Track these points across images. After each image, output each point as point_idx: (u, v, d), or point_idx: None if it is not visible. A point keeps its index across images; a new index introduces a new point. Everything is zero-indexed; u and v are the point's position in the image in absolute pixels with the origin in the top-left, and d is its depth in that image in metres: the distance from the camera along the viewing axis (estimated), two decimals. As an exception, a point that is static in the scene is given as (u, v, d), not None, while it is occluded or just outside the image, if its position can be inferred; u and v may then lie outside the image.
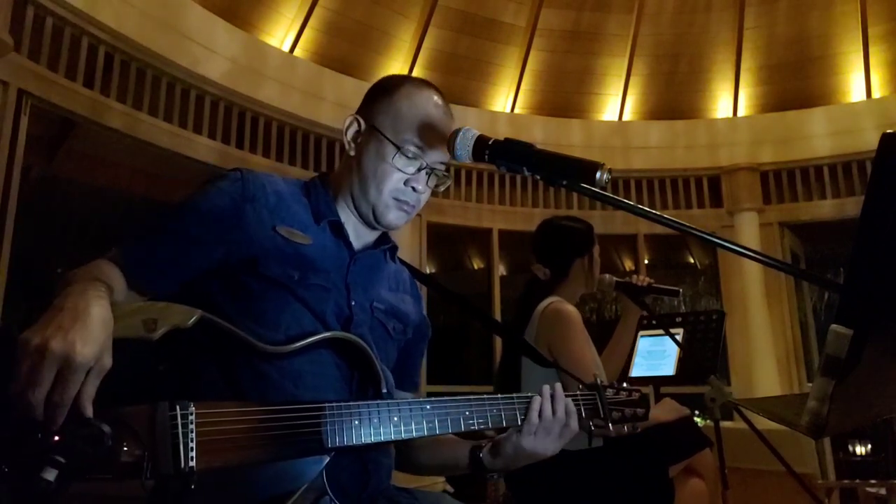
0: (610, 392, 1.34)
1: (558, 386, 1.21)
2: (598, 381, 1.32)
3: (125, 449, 0.87)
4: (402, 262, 1.41)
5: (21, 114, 3.53)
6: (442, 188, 1.30)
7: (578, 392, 1.29)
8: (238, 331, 1.01)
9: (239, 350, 1.02)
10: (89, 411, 0.82)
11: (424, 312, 1.39)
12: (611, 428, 1.30)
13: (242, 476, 0.94)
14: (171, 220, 1.14)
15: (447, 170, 1.27)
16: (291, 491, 0.95)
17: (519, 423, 1.16)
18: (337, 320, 1.14)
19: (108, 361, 0.85)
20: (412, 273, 1.42)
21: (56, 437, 0.83)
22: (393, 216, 1.23)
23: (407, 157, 1.21)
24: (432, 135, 1.22)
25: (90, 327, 0.84)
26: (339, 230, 1.22)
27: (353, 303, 1.17)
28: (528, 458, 1.20)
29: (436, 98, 1.27)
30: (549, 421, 1.18)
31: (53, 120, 4.00)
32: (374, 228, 1.27)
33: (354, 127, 1.26)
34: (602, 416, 1.29)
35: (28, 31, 3.63)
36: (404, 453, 1.28)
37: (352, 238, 1.24)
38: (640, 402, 1.37)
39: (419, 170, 1.22)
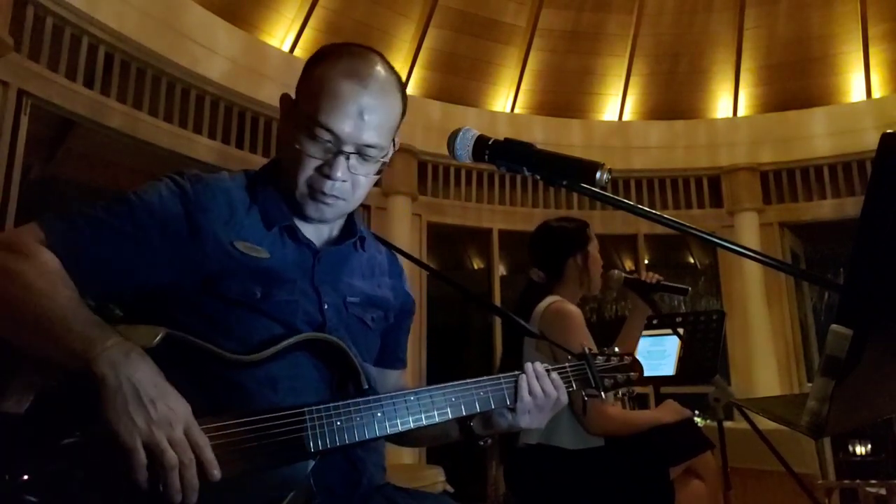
0: (600, 360, 1.32)
1: (538, 364, 1.19)
2: (586, 350, 1.30)
3: (101, 478, 0.85)
4: (385, 242, 1.35)
5: (21, 114, 3.52)
6: (373, 172, 1.15)
7: (567, 364, 1.27)
8: (207, 344, 0.98)
9: (211, 363, 0.99)
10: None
11: (407, 288, 1.32)
12: (603, 396, 1.28)
13: (226, 490, 0.92)
14: (116, 216, 1.03)
15: (384, 150, 1.13)
16: (279, 499, 0.94)
17: (508, 402, 1.15)
18: (309, 328, 1.09)
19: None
20: (399, 252, 1.37)
21: (25, 476, 0.81)
22: (311, 209, 1.12)
23: (315, 140, 1.08)
24: (346, 112, 1.07)
25: (156, 393, 0.86)
26: (293, 233, 1.13)
27: (325, 306, 1.12)
28: (521, 429, 1.21)
29: (361, 69, 1.10)
30: (540, 399, 1.17)
31: (53, 120, 3.99)
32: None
33: (281, 108, 1.16)
34: (594, 384, 1.27)
35: (28, 31, 3.63)
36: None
37: (311, 236, 1.15)
38: (632, 366, 1.35)
39: (335, 155, 1.08)
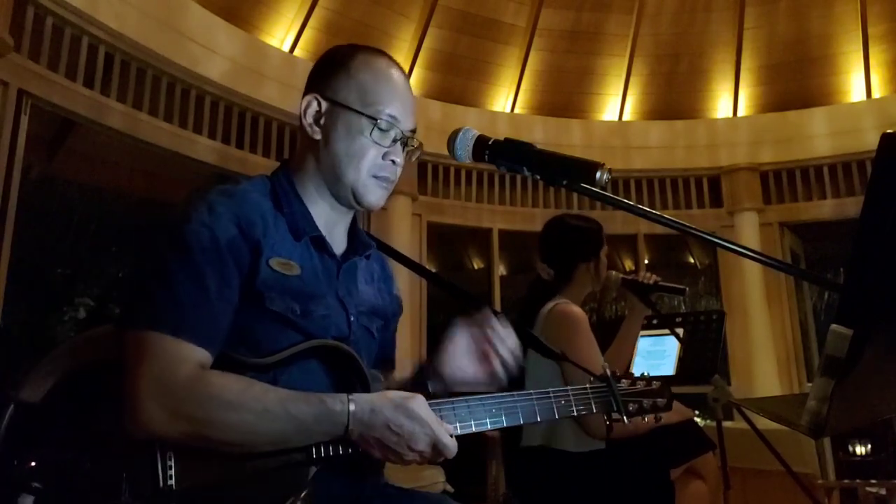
0: (624, 383, 1.27)
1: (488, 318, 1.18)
2: (609, 373, 1.25)
3: (103, 471, 0.87)
4: (386, 247, 1.37)
5: (21, 114, 3.52)
6: (414, 158, 1.24)
7: (588, 386, 1.23)
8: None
9: (223, 365, 0.99)
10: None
11: (396, 291, 1.34)
12: (626, 420, 1.23)
13: (226, 491, 0.92)
14: (198, 274, 0.99)
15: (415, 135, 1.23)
16: (279, 502, 0.94)
17: (521, 421, 1.12)
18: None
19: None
20: (397, 259, 1.38)
21: (32, 463, 0.84)
22: (374, 196, 1.17)
23: (381, 129, 1.14)
24: (400, 102, 1.17)
25: (416, 431, 0.97)
26: (321, 245, 1.15)
27: (352, 318, 1.14)
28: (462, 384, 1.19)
29: (394, 65, 1.21)
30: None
31: (53, 120, 4.00)
32: (350, 209, 1.21)
33: (314, 107, 1.17)
34: (616, 408, 1.22)
35: (28, 31, 3.62)
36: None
37: (333, 246, 1.18)
38: (660, 392, 1.30)
39: (395, 140, 1.16)
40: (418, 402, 0.98)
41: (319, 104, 1.17)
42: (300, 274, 1.08)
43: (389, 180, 1.17)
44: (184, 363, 0.93)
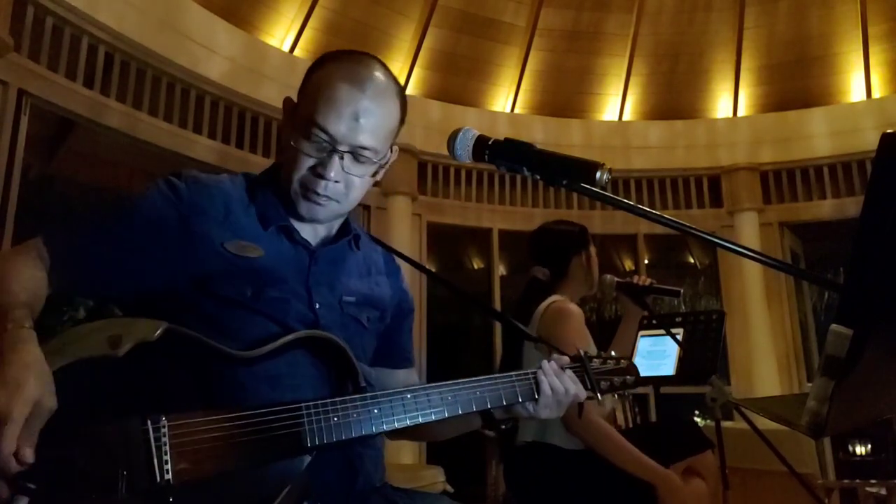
0: (596, 362, 1.34)
1: (553, 363, 1.22)
2: (582, 353, 1.32)
3: (98, 468, 0.86)
4: (383, 245, 1.37)
5: (21, 114, 3.52)
6: (379, 175, 1.20)
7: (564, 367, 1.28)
8: (206, 339, 0.99)
9: (210, 359, 0.99)
10: (29, 457, 0.79)
11: (404, 286, 1.34)
12: (599, 397, 1.31)
13: (223, 483, 0.93)
14: (109, 220, 1.09)
15: (380, 154, 1.16)
16: (274, 494, 0.94)
17: (504, 402, 1.16)
18: (302, 325, 1.09)
19: (48, 403, 0.82)
20: (397, 256, 1.38)
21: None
22: (304, 208, 1.14)
23: (311, 140, 1.10)
24: (342, 115, 1.10)
25: (14, 380, 0.80)
26: (289, 233, 1.15)
27: (316, 305, 1.13)
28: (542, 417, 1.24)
29: (359, 73, 1.13)
30: (560, 394, 1.20)
31: (53, 120, 4.00)
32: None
33: (284, 109, 1.19)
34: (590, 386, 1.29)
35: (28, 31, 3.63)
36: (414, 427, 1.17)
37: (307, 236, 1.18)
38: (628, 370, 1.37)
39: (329, 154, 1.10)
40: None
41: (286, 109, 1.19)
42: (261, 256, 1.09)
43: (318, 195, 1.12)
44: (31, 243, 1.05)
